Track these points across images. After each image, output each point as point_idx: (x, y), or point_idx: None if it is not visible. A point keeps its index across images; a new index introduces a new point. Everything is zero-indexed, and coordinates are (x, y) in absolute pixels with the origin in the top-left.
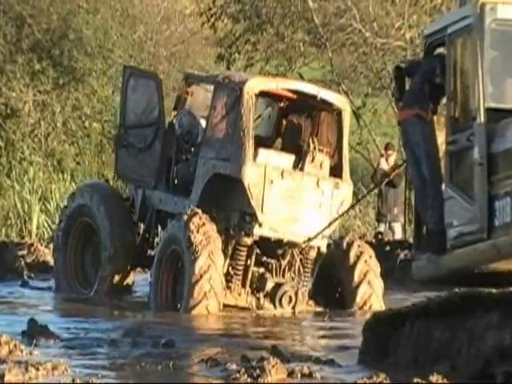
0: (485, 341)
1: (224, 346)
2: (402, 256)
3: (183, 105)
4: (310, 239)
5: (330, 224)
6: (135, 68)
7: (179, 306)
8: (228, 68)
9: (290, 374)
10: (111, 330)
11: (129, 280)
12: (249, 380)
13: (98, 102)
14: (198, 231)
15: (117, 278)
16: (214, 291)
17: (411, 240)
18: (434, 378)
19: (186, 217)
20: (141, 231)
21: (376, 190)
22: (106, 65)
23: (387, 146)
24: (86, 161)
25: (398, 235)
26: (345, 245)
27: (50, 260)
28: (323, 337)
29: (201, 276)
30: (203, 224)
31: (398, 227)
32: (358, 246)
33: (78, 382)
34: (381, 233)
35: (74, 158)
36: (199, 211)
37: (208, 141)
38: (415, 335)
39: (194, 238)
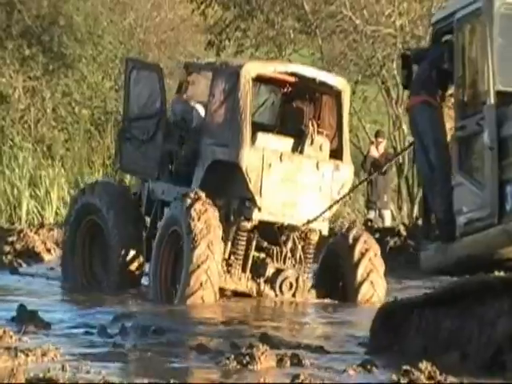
0: (496, 328)
1: (215, 334)
2: (391, 243)
3: (184, 94)
4: (309, 221)
5: (330, 207)
6: (137, 60)
7: (176, 290)
8: (218, 55)
9: (280, 360)
10: (102, 317)
11: (137, 274)
12: (238, 367)
13: (87, 88)
14: (199, 218)
15: (125, 273)
16: (210, 282)
17: (401, 227)
18: (423, 365)
19: (188, 201)
20: (148, 225)
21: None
22: (96, 51)
23: (377, 134)
24: (76, 147)
25: (388, 222)
26: (351, 239)
27: (40, 246)
28: (318, 325)
29: (198, 266)
30: (205, 211)
31: (387, 214)
32: (365, 241)
33: (68, 368)
34: (370, 220)
35: (63, 144)
36: (202, 195)
37: (207, 128)
38: (425, 324)
39: (194, 226)
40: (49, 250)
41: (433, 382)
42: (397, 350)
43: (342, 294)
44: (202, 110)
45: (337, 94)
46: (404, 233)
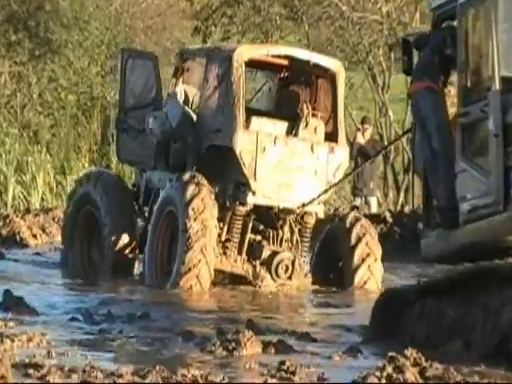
0: (501, 316)
1: (202, 320)
2: (377, 230)
3: (179, 81)
4: (304, 204)
5: (325, 190)
6: (133, 49)
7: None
8: (204, 41)
9: (266, 347)
10: (88, 304)
11: (130, 260)
12: (224, 353)
13: (74, 73)
14: (194, 197)
15: (118, 260)
16: (205, 260)
17: (387, 214)
18: (408, 352)
19: (184, 179)
20: (146, 215)
21: (352, 164)
22: (83, 36)
23: (363, 120)
24: (62, 133)
25: (374, 209)
26: (348, 223)
27: (25, 231)
28: (309, 312)
29: (193, 244)
30: (200, 190)
31: (373, 201)
32: (361, 225)
33: (53, 353)
34: (356, 207)
35: (49, 129)
36: (198, 175)
37: (201, 113)
38: (427, 312)
39: (190, 204)
40: (35, 236)
41: (418, 368)
42: (397, 338)
43: (339, 278)
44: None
45: (331, 77)
46: (390, 219)
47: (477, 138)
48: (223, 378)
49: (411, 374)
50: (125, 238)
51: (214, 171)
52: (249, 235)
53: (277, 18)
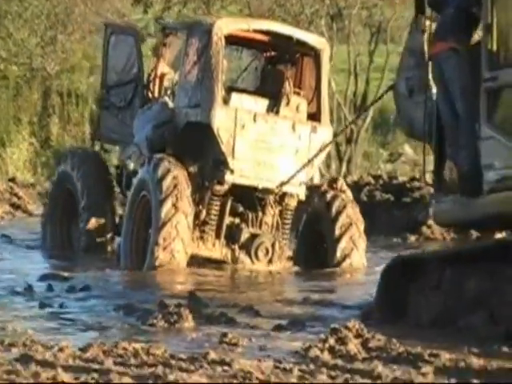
0: None
1: (144, 294)
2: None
3: (160, 60)
4: (282, 183)
5: (303, 167)
6: (116, 24)
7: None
8: (145, 12)
9: (208, 319)
10: (31, 278)
11: (104, 239)
12: (165, 325)
13: (13, 45)
14: (165, 175)
15: (92, 237)
16: (180, 236)
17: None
18: (351, 323)
19: (154, 160)
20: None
21: None
22: (22, 7)
23: None
24: (2, 105)
25: (316, 180)
26: (329, 196)
27: None
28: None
29: (167, 221)
30: (171, 168)
31: (316, 172)
32: (343, 199)
33: None
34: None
35: None
36: (167, 157)
37: (181, 89)
38: (447, 283)
39: (161, 182)
40: None
41: (361, 339)
42: (407, 310)
43: (323, 260)
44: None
45: (316, 54)
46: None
47: (505, 104)
48: (165, 351)
49: (354, 345)
50: (100, 218)
51: (192, 150)
52: (227, 217)
53: None
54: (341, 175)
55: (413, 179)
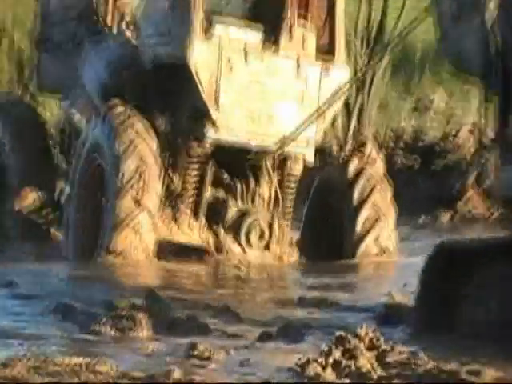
0: None
1: (92, 292)
2: None
3: None
4: (283, 141)
5: (310, 119)
6: None
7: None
8: None
9: (171, 325)
10: None
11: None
12: (114, 333)
13: None
14: (124, 130)
15: (29, 225)
16: (145, 208)
17: None
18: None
19: (109, 110)
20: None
21: None
22: None
23: None
24: None
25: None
26: (351, 172)
27: None
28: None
29: (127, 188)
30: (132, 121)
31: None
32: (370, 176)
33: None
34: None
35: None
36: (126, 105)
37: (145, 17)
38: (503, 278)
39: (117, 140)
40: None
41: (375, 352)
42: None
43: (336, 249)
44: None
45: None
46: None
47: None
48: (114, 368)
49: (366, 360)
50: (33, 192)
51: (161, 97)
52: (209, 189)
53: None
54: (350, 133)
55: (446, 137)
